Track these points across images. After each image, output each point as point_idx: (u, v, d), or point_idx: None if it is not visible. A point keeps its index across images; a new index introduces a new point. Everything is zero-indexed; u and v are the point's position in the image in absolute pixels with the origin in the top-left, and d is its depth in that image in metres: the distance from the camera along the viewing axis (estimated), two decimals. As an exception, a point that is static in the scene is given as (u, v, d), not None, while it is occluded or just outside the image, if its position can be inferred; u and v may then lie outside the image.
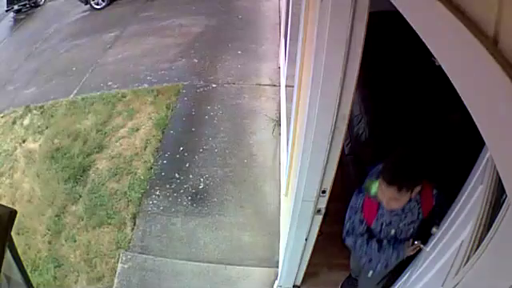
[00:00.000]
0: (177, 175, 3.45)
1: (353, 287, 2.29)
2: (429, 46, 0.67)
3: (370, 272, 1.76)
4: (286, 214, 2.25)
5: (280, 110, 3.91)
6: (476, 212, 0.78)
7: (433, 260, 1.25)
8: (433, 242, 1.33)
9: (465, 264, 0.86)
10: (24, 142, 4.28)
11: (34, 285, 1.68)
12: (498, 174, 0.56)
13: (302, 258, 2.08)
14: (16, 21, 8.64)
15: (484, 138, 0.57)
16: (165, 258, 2.82)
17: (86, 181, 3.59)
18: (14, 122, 4.64)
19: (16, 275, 1.35)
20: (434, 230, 1.36)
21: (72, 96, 4.90)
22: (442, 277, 1.02)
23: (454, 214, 0.94)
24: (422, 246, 1.45)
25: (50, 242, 3.12)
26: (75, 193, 3.49)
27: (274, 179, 3.31)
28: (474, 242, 0.79)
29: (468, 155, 1.66)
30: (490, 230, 0.69)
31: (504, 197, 0.66)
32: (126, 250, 2.91)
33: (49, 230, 3.22)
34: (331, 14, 1.16)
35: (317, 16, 1.27)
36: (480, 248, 0.74)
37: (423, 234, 1.52)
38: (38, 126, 4.45)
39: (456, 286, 0.85)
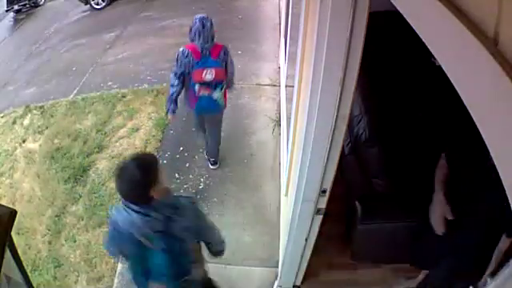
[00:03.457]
0: (177, 175, 3.45)
1: None
2: (429, 46, 0.67)
3: None
4: (286, 214, 2.25)
5: (280, 110, 3.91)
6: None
7: None
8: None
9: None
10: (24, 142, 4.28)
11: (34, 285, 1.68)
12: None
13: (302, 258, 2.08)
14: (16, 21, 8.64)
15: (484, 138, 0.57)
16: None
17: (86, 181, 3.59)
18: (14, 122, 4.64)
19: (16, 275, 1.35)
20: (488, 280, 1.37)
21: (72, 96, 4.90)
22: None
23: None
24: None
25: (50, 242, 3.12)
26: (75, 193, 3.49)
27: (274, 179, 3.31)
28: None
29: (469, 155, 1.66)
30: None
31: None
32: (126, 250, 2.91)
33: (49, 229, 3.22)
34: (331, 14, 1.16)
35: (317, 16, 1.27)
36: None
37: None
38: (38, 126, 4.45)
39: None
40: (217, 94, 2.72)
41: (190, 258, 1.60)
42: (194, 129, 3.50)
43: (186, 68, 2.64)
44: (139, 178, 1.34)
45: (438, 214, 1.80)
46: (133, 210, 1.39)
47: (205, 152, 3.52)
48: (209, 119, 3.10)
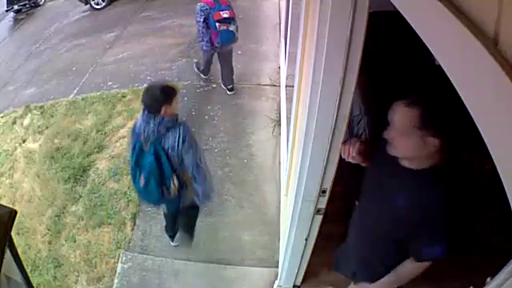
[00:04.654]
0: (177, 175, 3.45)
1: None
2: (429, 46, 0.67)
3: None
4: (286, 214, 2.25)
5: (280, 110, 3.91)
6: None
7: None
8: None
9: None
10: (24, 142, 4.28)
11: (34, 285, 1.68)
12: None
13: (302, 258, 2.08)
14: (16, 21, 8.63)
15: (484, 137, 0.57)
16: (165, 258, 2.82)
17: (86, 181, 3.59)
18: (14, 122, 4.65)
19: (16, 275, 1.35)
20: (488, 280, 1.31)
21: (72, 96, 4.90)
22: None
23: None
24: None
25: (50, 242, 3.12)
26: (75, 193, 3.49)
27: (274, 179, 3.31)
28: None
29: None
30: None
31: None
32: (126, 250, 2.91)
33: (49, 229, 3.22)
34: (331, 14, 1.16)
35: (317, 16, 1.27)
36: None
37: None
38: (38, 126, 4.45)
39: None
40: (232, 27, 3.81)
41: (172, 174, 2.09)
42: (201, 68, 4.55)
43: (205, 15, 3.71)
44: (158, 95, 1.93)
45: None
46: (143, 117, 2.00)
47: (221, 83, 4.46)
48: (222, 53, 4.11)
